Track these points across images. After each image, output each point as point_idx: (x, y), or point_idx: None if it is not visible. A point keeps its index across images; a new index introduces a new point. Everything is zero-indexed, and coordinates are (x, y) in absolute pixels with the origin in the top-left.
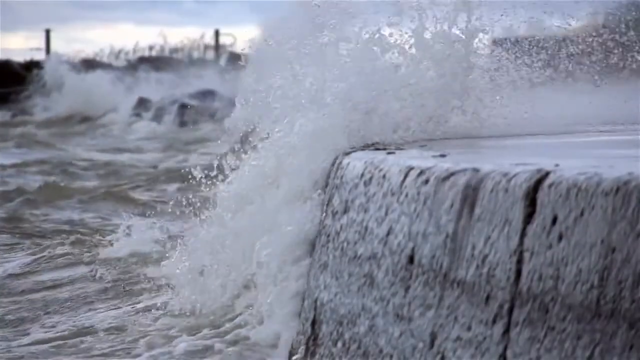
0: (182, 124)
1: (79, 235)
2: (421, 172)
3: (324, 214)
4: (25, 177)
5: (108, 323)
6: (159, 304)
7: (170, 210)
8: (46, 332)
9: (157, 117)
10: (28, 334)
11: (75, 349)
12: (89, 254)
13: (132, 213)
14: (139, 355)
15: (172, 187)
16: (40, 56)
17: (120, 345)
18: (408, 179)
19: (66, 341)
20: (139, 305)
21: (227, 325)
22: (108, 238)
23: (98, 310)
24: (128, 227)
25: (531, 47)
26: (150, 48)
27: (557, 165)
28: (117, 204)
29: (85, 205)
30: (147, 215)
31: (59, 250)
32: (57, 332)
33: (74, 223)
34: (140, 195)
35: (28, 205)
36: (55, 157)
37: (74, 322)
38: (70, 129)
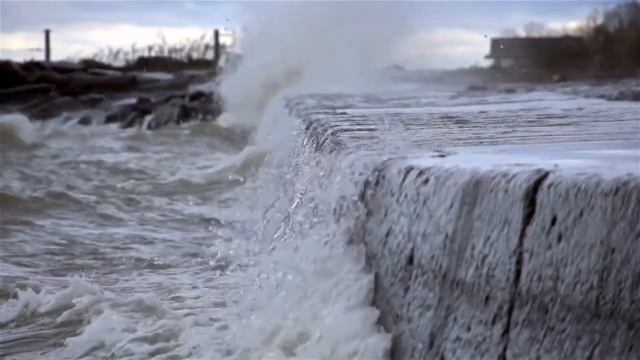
0: (182, 125)
1: None
2: (421, 173)
3: None
4: None
5: None
6: None
7: None
8: None
9: (157, 118)
10: None
11: None
12: None
13: None
14: None
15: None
16: (40, 57)
17: None
18: (407, 179)
19: None
20: None
21: None
22: None
23: None
24: None
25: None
26: (150, 48)
27: (556, 165)
28: None
29: None
30: None
31: None
32: None
33: None
34: None
35: None
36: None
37: None
38: (71, 131)
